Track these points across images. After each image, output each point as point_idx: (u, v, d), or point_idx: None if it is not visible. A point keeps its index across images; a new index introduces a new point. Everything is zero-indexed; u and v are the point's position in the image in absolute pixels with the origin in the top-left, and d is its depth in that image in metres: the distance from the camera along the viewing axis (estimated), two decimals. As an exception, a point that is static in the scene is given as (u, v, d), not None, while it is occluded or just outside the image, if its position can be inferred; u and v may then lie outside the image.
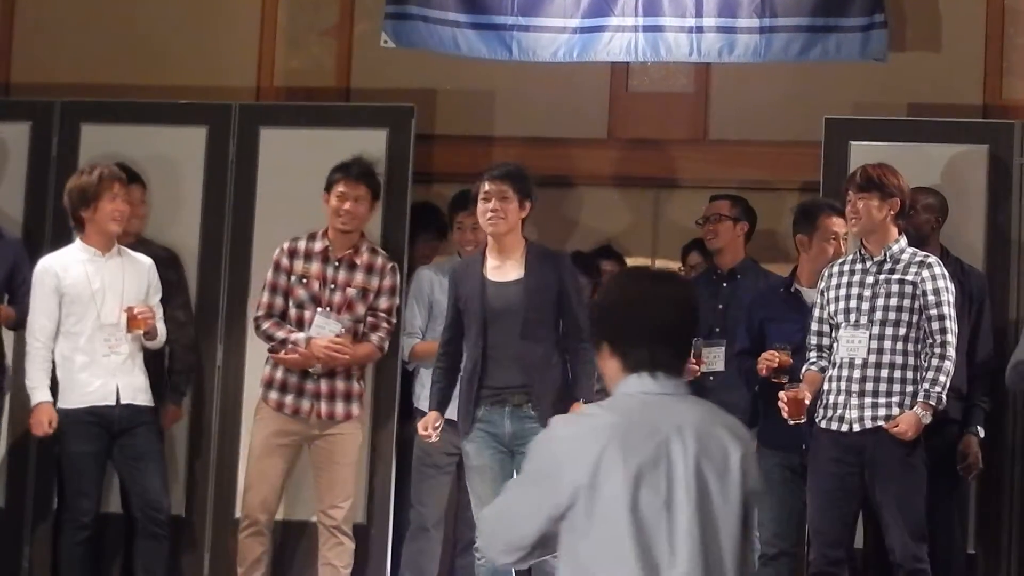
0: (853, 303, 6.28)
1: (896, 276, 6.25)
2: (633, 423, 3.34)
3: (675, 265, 7.75)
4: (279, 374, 6.94)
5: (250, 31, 8.17)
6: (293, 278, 6.96)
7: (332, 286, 6.94)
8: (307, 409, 6.91)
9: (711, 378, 6.96)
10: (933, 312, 6.20)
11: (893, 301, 6.22)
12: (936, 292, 6.21)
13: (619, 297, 3.49)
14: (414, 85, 7.94)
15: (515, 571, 6.01)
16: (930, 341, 6.19)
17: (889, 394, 6.18)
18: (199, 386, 7.52)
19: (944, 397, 6.17)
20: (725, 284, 7.21)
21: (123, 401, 6.76)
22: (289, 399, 6.92)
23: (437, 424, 6.42)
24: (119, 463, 6.84)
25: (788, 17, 7.40)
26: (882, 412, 6.16)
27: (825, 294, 6.37)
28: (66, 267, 6.78)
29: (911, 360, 6.20)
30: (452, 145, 7.94)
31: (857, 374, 6.20)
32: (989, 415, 6.81)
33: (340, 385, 6.94)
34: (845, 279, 6.33)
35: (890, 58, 7.44)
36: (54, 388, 6.75)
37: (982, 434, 6.75)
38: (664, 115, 7.99)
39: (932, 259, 6.32)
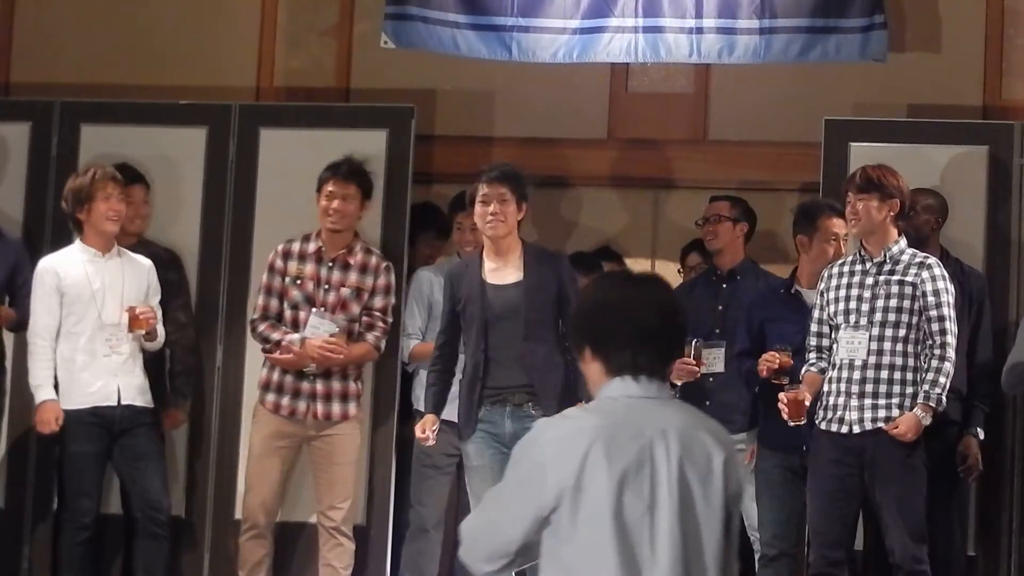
0: (853, 304, 6.28)
1: (896, 277, 6.25)
2: (617, 425, 3.35)
3: (674, 266, 7.75)
4: (275, 376, 6.95)
5: (250, 31, 8.17)
6: (287, 279, 6.98)
7: (326, 286, 6.96)
8: (303, 410, 6.91)
9: (711, 379, 6.96)
10: (933, 313, 6.20)
11: (893, 302, 6.23)
12: (936, 293, 6.21)
13: (601, 300, 3.49)
14: (414, 85, 7.94)
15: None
16: (930, 342, 6.19)
17: (889, 395, 6.18)
18: (199, 386, 7.52)
19: (944, 398, 6.18)
20: (725, 285, 7.20)
21: (123, 402, 6.77)
22: (285, 401, 6.93)
23: (434, 427, 6.42)
24: (119, 464, 6.85)
25: (788, 18, 7.40)
26: (882, 413, 6.17)
27: (825, 295, 6.37)
28: (66, 267, 6.79)
29: (911, 361, 6.20)
30: (452, 145, 7.94)
31: (857, 375, 6.21)
32: (989, 416, 6.81)
33: (336, 385, 6.94)
34: (845, 280, 6.33)
35: (890, 59, 7.44)
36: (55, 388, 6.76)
37: (982, 435, 6.75)
38: (664, 116, 7.99)
39: (932, 260, 6.32)
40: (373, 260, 7.02)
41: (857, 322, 6.25)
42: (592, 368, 3.46)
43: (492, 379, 6.31)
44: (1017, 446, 7.06)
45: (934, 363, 6.16)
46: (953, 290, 6.29)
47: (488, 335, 6.31)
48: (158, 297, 6.97)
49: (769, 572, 6.67)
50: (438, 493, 7.23)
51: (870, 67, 7.50)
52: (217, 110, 7.72)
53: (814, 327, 6.40)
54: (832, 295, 6.34)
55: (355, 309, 6.96)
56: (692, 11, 7.43)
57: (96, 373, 6.74)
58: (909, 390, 6.18)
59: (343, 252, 6.99)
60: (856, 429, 6.18)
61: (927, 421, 6.14)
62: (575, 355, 3.54)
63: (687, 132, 8.01)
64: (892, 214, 6.30)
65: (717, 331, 7.06)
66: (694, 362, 6.82)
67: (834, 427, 6.22)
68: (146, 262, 6.97)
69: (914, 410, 6.13)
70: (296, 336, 6.87)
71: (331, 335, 6.85)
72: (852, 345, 6.23)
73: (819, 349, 6.38)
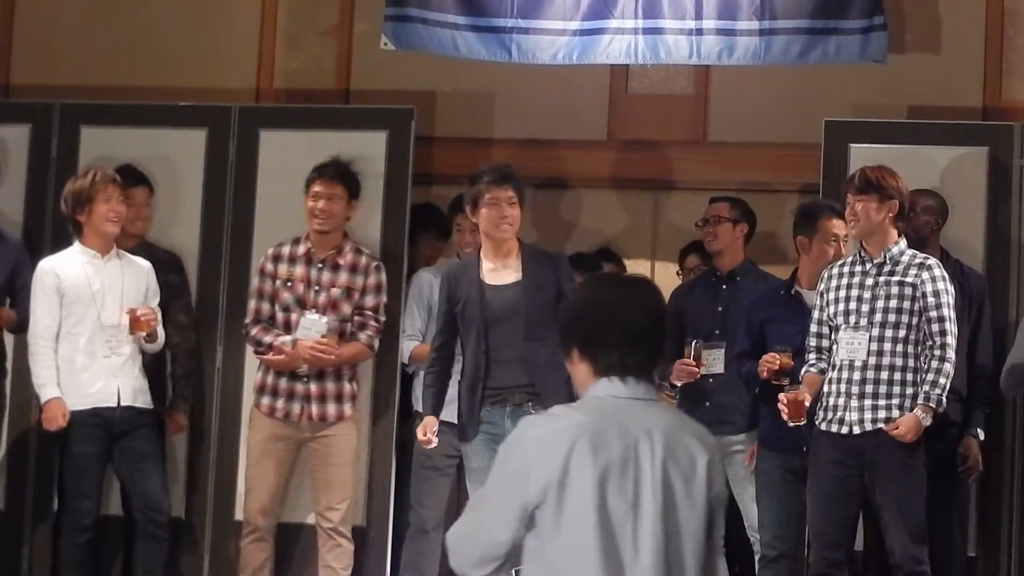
0: (853, 305, 6.28)
1: (896, 278, 6.25)
2: (603, 424, 3.37)
3: (674, 267, 7.75)
4: (270, 379, 6.97)
5: (250, 32, 8.17)
6: (278, 282, 7.00)
7: (316, 287, 6.97)
8: (298, 412, 6.93)
9: (711, 380, 6.96)
10: (933, 314, 6.20)
11: (893, 303, 6.23)
12: (936, 294, 6.21)
13: (591, 301, 3.51)
14: (414, 87, 7.94)
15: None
16: (930, 343, 6.19)
17: (889, 396, 6.18)
18: (199, 387, 7.52)
19: (944, 399, 6.18)
20: (724, 286, 7.20)
21: (123, 403, 6.77)
22: (280, 403, 6.94)
23: (435, 429, 6.42)
24: (119, 465, 6.85)
25: (787, 19, 7.41)
26: (882, 414, 6.17)
27: (825, 296, 6.37)
28: (66, 268, 6.79)
29: (911, 362, 6.20)
30: (452, 147, 7.94)
31: (857, 376, 6.21)
32: (989, 417, 6.81)
33: (331, 386, 6.95)
34: (845, 281, 6.33)
35: (890, 60, 7.44)
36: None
37: (982, 436, 6.75)
38: (664, 117, 7.99)
39: (932, 261, 6.32)
40: (363, 260, 7.04)
41: (857, 323, 6.25)
42: (579, 368, 3.48)
43: (493, 379, 6.31)
44: (1017, 447, 7.06)
45: (934, 364, 6.16)
46: (953, 291, 6.29)
47: (488, 336, 6.32)
48: (157, 299, 6.97)
49: (769, 573, 6.67)
50: (438, 494, 7.23)
51: (870, 68, 7.50)
52: (217, 112, 7.72)
53: (814, 328, 6.40)
54: (832, 296, 6.34)
55: (346, 309, 6.97)
56: (692, 12, 7.44)
57: (96, 374, 6.74)
58: (909, 391, 6.18)
59: (332, 253, 7.01)
60: (856, 430, 6.18)
61: (927, 422, 6.14)
62: (562, 355, 3.55)
63: (687, 133, 8.01)
64: (891, 215, 6.30)
65: (717, 332, 7.06)
66: (694, 363, 6.83)
67: (834, 428, 6.22)
68: (145, 264, 6.97)
69: (914, 411, 6.13)
70: (288, 338, 6.89)
71: (322, 336, 6.86)
72: (852, 346, 6.23)
73: (819, 350, 6.38)
